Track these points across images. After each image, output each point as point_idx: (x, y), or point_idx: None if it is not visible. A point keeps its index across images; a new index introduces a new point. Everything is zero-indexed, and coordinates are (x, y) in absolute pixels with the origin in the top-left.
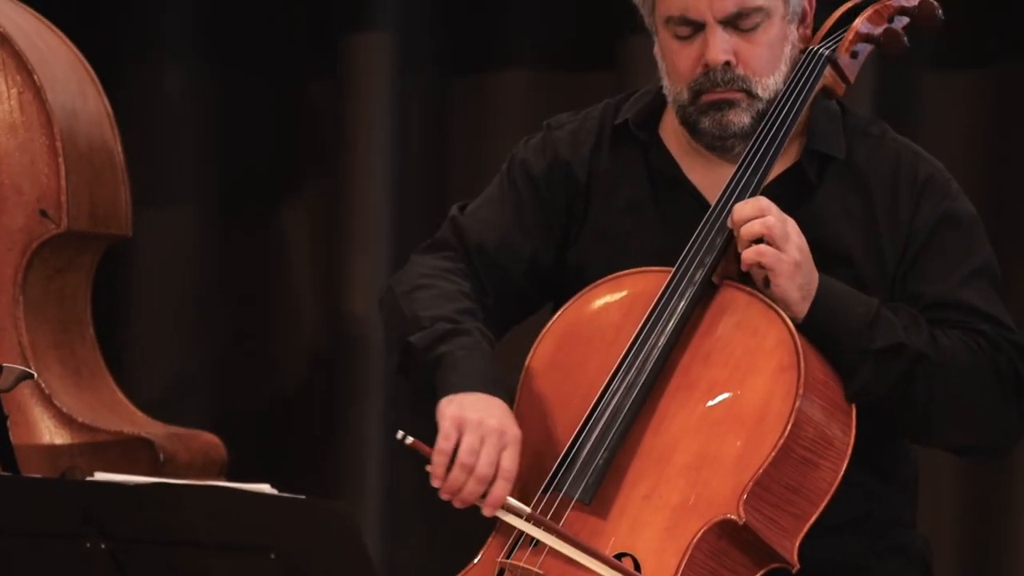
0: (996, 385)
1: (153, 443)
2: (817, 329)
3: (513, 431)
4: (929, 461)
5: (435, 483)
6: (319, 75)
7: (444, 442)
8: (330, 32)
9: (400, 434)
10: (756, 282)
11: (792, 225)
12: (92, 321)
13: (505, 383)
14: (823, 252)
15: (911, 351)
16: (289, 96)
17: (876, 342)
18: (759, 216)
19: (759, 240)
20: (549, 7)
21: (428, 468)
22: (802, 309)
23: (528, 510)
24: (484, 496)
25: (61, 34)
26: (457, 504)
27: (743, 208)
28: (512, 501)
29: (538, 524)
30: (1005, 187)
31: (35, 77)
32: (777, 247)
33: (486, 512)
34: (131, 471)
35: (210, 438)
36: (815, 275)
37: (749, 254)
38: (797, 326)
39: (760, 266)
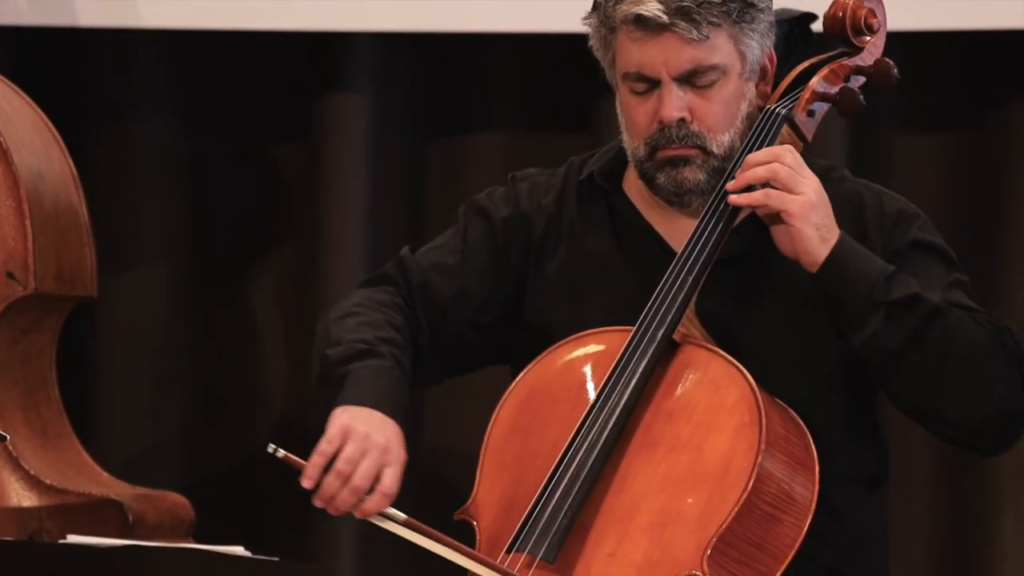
0: (1003, 355)
1: (122, 504)
2: (834, 276)
3: (398, 452)
4: (901, 517)
5: (306, 484)
6: (293, 136)
7: (326, 445)
8: (305, 94)
9: (271, 447)
10: (772, 230)
11: (808, 171)
12: (57, 382)
13: (405, 412)
14: (793, 289)
15: (927, 304)
16: (263, 158)
17: (892, 294)
18: (768, 162)
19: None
20: (525, 69)
21: (301, 478)
22: (821, 253)
23: (404, 516)
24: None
25: (25, 96)
26: (331, 511)
27: (756, 154)
28: (390, 510)
29: (414, 529)
30: (977, 248)
31: (0, 139)
32: (787, 190)
33: (357, 515)
34: (100, 533)
35: (178, 499)
36: (834, 224)
37: (757, 196)
38: (815, 272)
39: (769, 208)
